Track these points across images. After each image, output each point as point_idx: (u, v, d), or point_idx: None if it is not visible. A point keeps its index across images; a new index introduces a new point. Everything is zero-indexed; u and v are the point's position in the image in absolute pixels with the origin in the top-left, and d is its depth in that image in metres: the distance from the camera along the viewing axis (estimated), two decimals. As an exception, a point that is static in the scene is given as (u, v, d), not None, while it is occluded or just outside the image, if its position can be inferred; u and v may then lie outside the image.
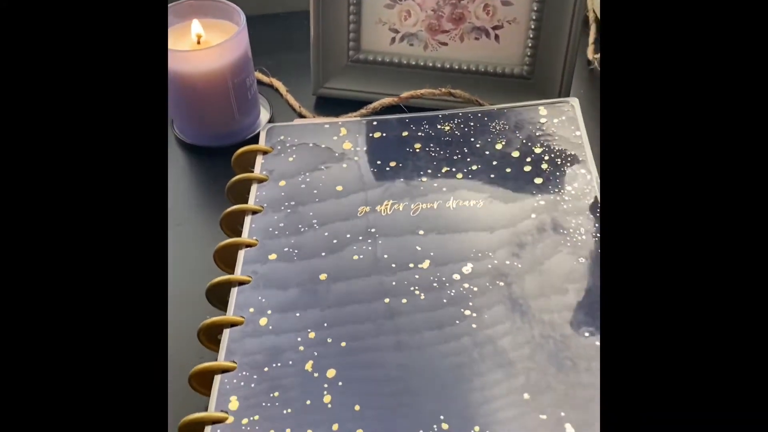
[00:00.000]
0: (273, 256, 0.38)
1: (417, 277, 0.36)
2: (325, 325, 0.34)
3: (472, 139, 0.42)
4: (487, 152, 0.41)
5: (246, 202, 0.41)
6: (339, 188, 0.41)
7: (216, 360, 0.34)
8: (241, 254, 0.38)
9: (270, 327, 0.35)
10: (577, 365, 0.31)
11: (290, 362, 0.33)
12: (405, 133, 0.43)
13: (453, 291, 0.35)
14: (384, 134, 0.44)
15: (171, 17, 0.47)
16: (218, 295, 0.38)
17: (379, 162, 0.42)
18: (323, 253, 0.37)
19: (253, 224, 0.40)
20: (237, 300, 0.36)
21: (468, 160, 0.41)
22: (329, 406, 0.31)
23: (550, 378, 0.31)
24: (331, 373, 0.32)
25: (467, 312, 0.34)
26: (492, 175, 0.40)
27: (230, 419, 0.31)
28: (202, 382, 0.34)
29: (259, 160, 0.43)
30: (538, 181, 0.39)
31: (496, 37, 0.49)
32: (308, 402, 0.32)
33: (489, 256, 0.36)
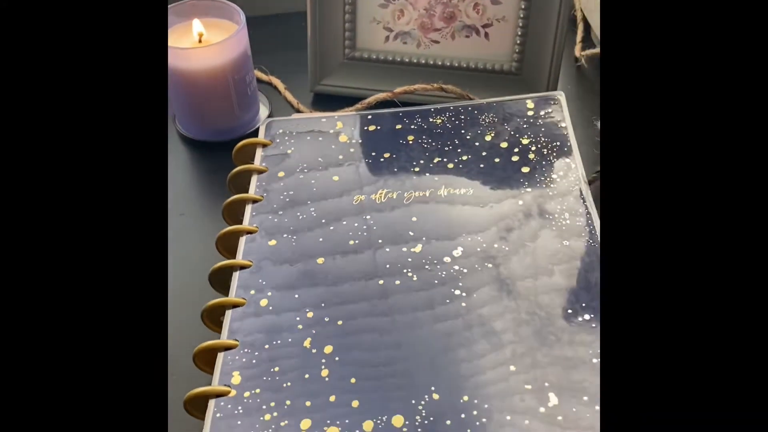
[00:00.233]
0: (272, 242, 0.40)
1: (410, 260, 0.38)
2: (323, 305, 0.36)
3: (463, 131, 0.44)
4: (477, 143, 0.43)
5: (246, 192, 0.43)
6: (335, 178, 0.43)
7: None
8: (242, 241, 0.40)
9: (270, 307, 0.36)
10: (561, 339, 0.33)
11: (289, 340, 0.35)
12: (398, 126, 0.45)
13: (444, 272, 0.37)
14: (378, 127, 0.45)
15: (173, 17, 0.49)
16: (220, 280, 0.39)
17: (373, 153, 0.44)
18: (320, 239, 0.39)
19: (253, 212, 0.42)
20: (238, 283, 0.38)
21: (459, 150, 0.43)
22: (326, 379, 0.33)
23: (535, 351, 0.33)
24: (328, 349, 0.34)
25: (457, 292, 0.36)
26: (481, 165, 0.42)
27: (233, 392, 0.33)
28: (206, 360, 0.36)
29: (259, 152, 0.45)
30: (525, 170, 0.41)
31: (486, 34, 0.51)
32: (306, 376, 0.33)
33: (478, 239, 0.38)
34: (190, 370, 0.36)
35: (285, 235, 0.40)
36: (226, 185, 0.44)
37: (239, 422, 0.32)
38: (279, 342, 0.35)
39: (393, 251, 0.38)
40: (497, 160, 0.42)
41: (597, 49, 0.53)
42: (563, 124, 0.43)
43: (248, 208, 0.42)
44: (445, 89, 0.49)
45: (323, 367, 0.34)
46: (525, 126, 0.44)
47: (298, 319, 0.36)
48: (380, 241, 0.39)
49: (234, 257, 0.40)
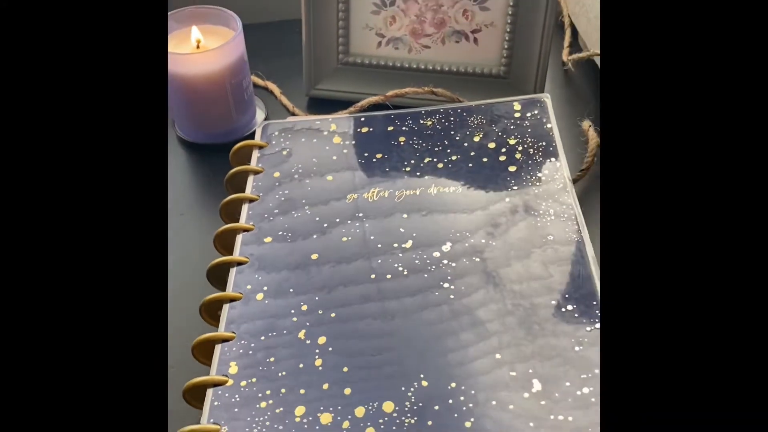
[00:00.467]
0: (268, 239, 0.41)
1: (401, 255, 0.39)
2: (317, 298, 0.38)
3: (452, 132, 0.46)
4: (466, 144, 0.45)
5: (243, 192, 0.44)
6: (329, 178, 0.44)
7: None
8: (239, 238, 0.42)
9: (266, 301, 0.38)
10: (544, 329, 0.35)
11: (284, 331, 0.36)
12: (390, 128, 0.47)
13: (433, 267, 0.38)
14: (371, 129, 0.47)
15: (172, 23, 0.51)
16: (218, 276, 0.41)
17: (366, 154, 0.45)
18: (314, 236, 0.41)
19: (249, 211, 0.43)
20: (235, 278, 0.39)
21: (448, 151, 0.45)
22: (320, 368, 0.34)
23: (520, 340, 0.34)
24: (321, 340, 0.36)
25: (446, 285, 0.37)
26: (470, 165, 0.44)
27: (230, 382, 0.35)
28: (204, 352, 0.37)
29: (255, 154, 0.47)
30: (512, 169, 0.43)
31: (475, 40, 0.53)
32: (301, 365, 0.35)
33: (466, 235, 0.40)
34: (188, 362, 0.38)
35: (280, 233, 0.41)
36: (224, 186, 0.46)
37: (236, 410, 0.33)
38: (274, 333, 0.36)
39: (384, 247, 0.40)
40: (485, 159, 0.44)
41: (583, 53, 0.54)
42: (549, 125, 0.45)
43: (245, 207, 0.43)
44: (436, 92, 0.50)
45: (317, 357, 0.35)
46: (512, 127, 0.45)
47: (292, 311, 0.37)
48: (372, 237, 0.40)
49: (231, 254, 0.41)
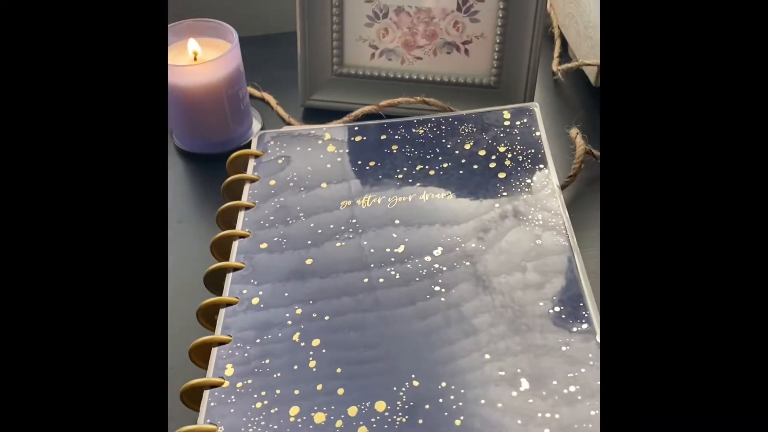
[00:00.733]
0: (264, 245, 0.42)
1: (393, 259, 0.40)
2: (311, 302, 0.38)
3: (444, 141, 0.47)
4: (457, 151, 0.46)
5: (239, 200, 0.46)
6: (324, 185, 0.45)
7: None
8: (235, 244, 0.43)
9: (261, 305, 0.39)
10: (532, 329, 0.35)
11: (279, 334, 0.37)
12: (383, 137, 0.48)
13: (425, 270, 0.39)
14: (364, 138, 0.48)
15: (171, 36, 0.52)
16: (215, 281, 0.42)
17: (359, 162, 0.46)
18: (309, 242, 0.42)
19: (245, 218, 0.44)
20: (231, 283, 0.40)
21: (440, 158, 0.46)
22: (314, 369, 0.35)
23: (508, 340, 0.35)
24: (315, 342, 0.36)
25: (437, 288, 0.38)
26: (461, 171, 0.45)
27: (226, 383, 0.35)
28: (201, 356, 0.38)
29: (251, 163, 0.48)
30: (502, 175, 0.44)
31: (466, 51, 0.54)
32: (295, 367, 0.35)
33: (457, 240, 0.41)
34: (185, 365, 0.39)
35: (275, 239, 0.42)
36: (220, 194, 0.47)
37: (232, 410, 0.34)
38: (269, 336, 0.37)
39: (377, 251, 0.41)
40: (475, 166, 0.45)
41: (572, 64, 0.56)
42: (538, 133, 0.46)
43: (241, 215, 0.44)
44: (428, 102, 0.51)
45: (311, 358, 0.36)
46: (502, 135, 0.46)
47: (287, 315, 0.38)
48: (365, 242, 0.41)
49: (227, 260, 0.42)
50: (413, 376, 0.34)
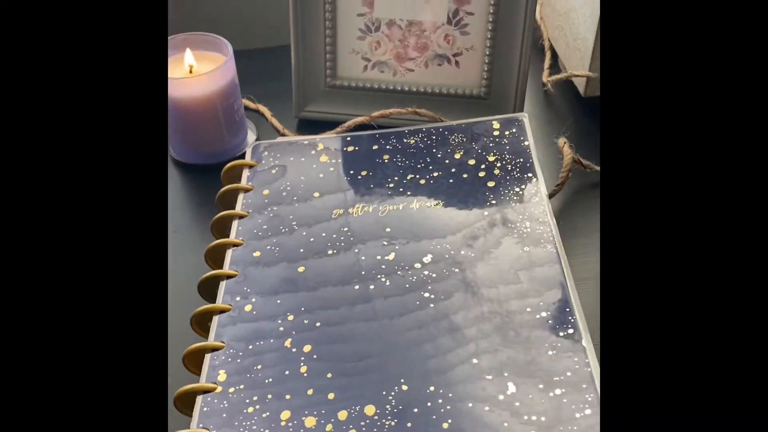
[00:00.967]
0: (257, 254, 0.43)
1: (383, 266, 0.41)
2: (303, 309, 0.39)
3: (434, 150, 0.48)
4: (447, 161, 0.47)
5: (234, 209, 0.46)
6: (316, 194, 0.46)
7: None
8: (229, 253, 0.43)
9: (254, 312, 0.39)
10: (519, 335, 0.36)
11: (271, 341, 0.38)
12: (375, 147, 0.49)
13: (415, 277, 0.40)
14: (357, 148, 0.49)
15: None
16: (209, 289, 0.42)
17: (352, 171, 0.47)
18: (301, 250, 0.42)
19: (239, 227, 0.45)
20: (225, 291, 0.41)
21: (430, 168, 0.47)
22: (305, 375, 0.36)
23: (496, 346, 0.36)
24: (307, 348, 0.37)
25: (426, 294, 0.39)
26: (451, 180, 0.45)
27: (219, 389, 0.36)
28: (195, 362, 0.39)
29: (245, 173, 0.49)
30: (491, 184, 0.45)
31: (456, 63, 0.55)
32: (287, 372, 0.36)
33: (446, 247, 0.41)
34: (179, 371, 0.39)
35: (268, 247, 0.43)
36: (215, 203, 0.48)
37: (224, 415, 0.35)
38: (262, 343, 0.38)
39: (368, 259, 0.41)
40: (465, 175, 0.46)
41: (561, 75, 0.57)
42: (526, 143, 0.47)
43: (235, 224, 0.45)
44: (419, 113, 0.52)
45: (302, 364, 0.36)
46: (491, 144, 0.47)
47: (279, 322, 0.39)
48: (356, 250, 0.42)
49: (221, 269, 0.43)
50: (402, 380, 0.35)
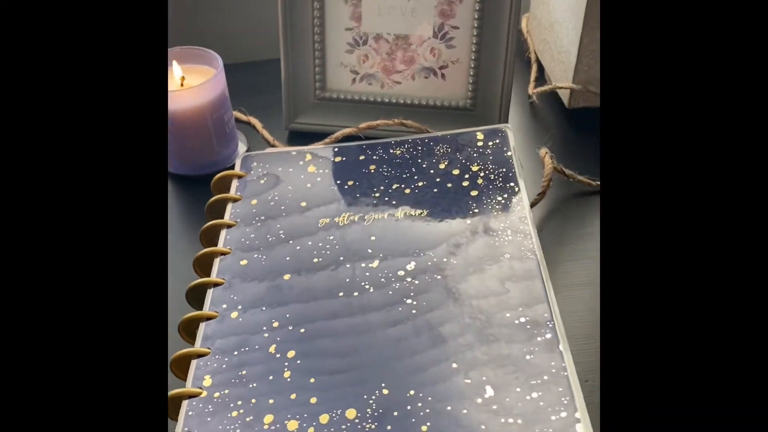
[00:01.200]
0: (244, 262, 0.44)
1: (368, 274, 0.42)
2: (288, 316, 0.40)
3: (420, 161, 0.49)
4: (432, 171, 0.48)
5: (222, 219, 0.47)
6: (303, 204, 0.47)
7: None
8: (217, 261, 0.44)
9: (240, 319, 0.40)
10: (498, 339, 0.37)
11: (256, 346, 0.39)
12: (362, 157, 0.50)
13: (398, 284, 0.41)
14: (344, 158, 0.50)
15: (159, 64, 0.54)
16: (196, 297, 0.43)
17: (338, 181, 0.48)
18: (287, 258, 0.43)
19: (227, 236, 0.46)
20: (212, 298, 0.42)
21: (415, 178, 0.48)
22: (288, 380, 0.37)
23: (475, 350, 0.36)
24: (291, 353, 0.38)
25: (408, 300, 0.40)
26: (435, 190, 0.46)
27: (204, 393, 0.37)
28: (181, 367, 0.39)
29: (234, 183, 0.50)
30: (474, 193, 0.46)
31: (443, 75, 0.56)
32: (270, 377, 0.37)
33: (429, 255, 0.42)
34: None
35: (255, 255, 0.44)
36: (204, 213, 0.49)
37: (209, 419, 0.36)
38: (247, 349, 0.39)
39: (353, 267, 0.42)
40: (449, 185, 0.47)
41: (546, 87, 0.58)
42: (509, 153, 0.48)
43: (223, 233, 0.46)
44: (406, 124, 0.54)
45: (286, 369, 0.37)
46: (475, 155, 0.48)
47: (264, 328, 0.39)
48: (341, 258, 0.43)
49: (209, 276, 0.44)
50: (383, 384, 0.36)
